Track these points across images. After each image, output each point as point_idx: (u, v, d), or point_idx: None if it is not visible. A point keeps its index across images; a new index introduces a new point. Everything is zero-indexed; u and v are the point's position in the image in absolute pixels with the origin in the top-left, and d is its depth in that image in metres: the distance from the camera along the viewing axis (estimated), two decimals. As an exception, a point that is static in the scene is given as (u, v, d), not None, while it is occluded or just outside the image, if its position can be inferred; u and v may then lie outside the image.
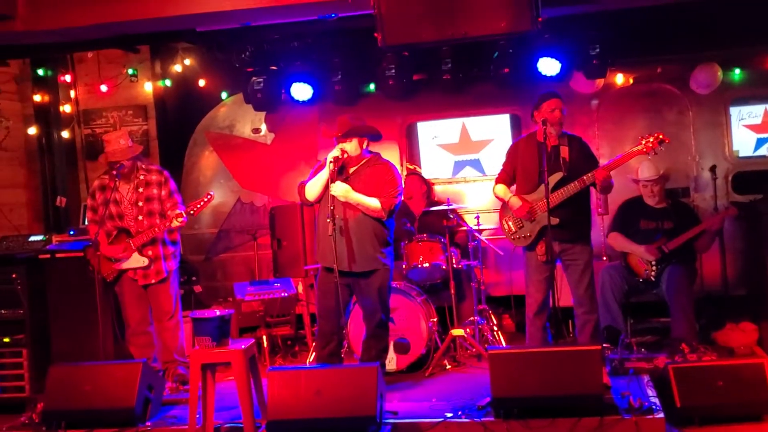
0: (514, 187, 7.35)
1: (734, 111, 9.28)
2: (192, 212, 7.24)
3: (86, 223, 7.80)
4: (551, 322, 7.28)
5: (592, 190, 7.18)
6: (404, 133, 9.96)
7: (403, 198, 7.63)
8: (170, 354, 7.49)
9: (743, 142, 9.30)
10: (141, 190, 7.39)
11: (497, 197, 7.42)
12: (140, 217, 7.36)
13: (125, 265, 7.33)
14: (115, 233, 7.35)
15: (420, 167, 9.63)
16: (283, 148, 10.15)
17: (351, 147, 6.90)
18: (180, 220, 7.16)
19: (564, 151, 7.08)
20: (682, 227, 7.86)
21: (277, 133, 10.24)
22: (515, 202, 7.16)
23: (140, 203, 7.37)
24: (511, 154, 7.41)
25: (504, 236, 7.55)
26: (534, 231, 7.10)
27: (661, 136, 6.83)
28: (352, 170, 6.97)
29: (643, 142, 6.88)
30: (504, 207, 7.36)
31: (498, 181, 7.41)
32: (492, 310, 8.60)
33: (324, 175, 6.82)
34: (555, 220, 6.81)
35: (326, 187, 6.79)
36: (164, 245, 7.43)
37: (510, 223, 7.29)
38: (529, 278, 7.26)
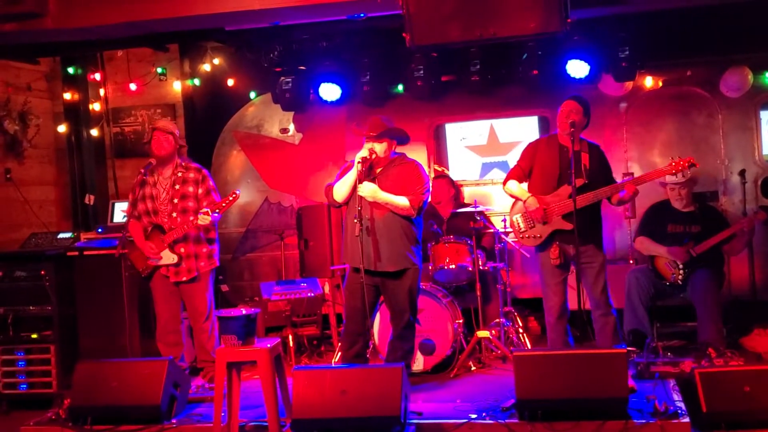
0: (525, 185, 7.31)
1: (764, 115, 9.19)
2: (218, 210, 7.25)
3: (125, 217, 7.82)
4: (572, 325, 7.28)
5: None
6: (432, 134, 9.95)
7: (430, 200, 7.64)
8: (207, 354, 7.48)
9: (773, 147, 9.24)
10: (177, 187, 7.40)
11: (509, 194, 7.36)
12: (174, 214, 7.37)
13: (157, 261, 7.36)
14: (151, 229, 7.38)
15: (448, 169, 9.63)
16: (311, 148, 10.18)
17: (381, 148, 6.91)
18: (205, 218, 7.17)
19: (585, 158, 7.05)
20: (709, 231, 7.81)
21: (305, 133, 10.26)
22: (532, 202, 7.10)
23: (175, 200, 7.38)
24: (530, 152, 7.33)
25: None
26: (545, 233, 7.07)
27: (692, 161, 6.86)
28: (378, 170, 6.97)
29: (673, 164, 6.90)
30: (516, 204, 7.34)
31: (510, 176, 7.35)
32: (518, 313, 8.57)
33: (352, 175, 6.83)
34: (568, 226, 6.81)
35: (354, 188, 6.80)
36: (197, 243, 7.42)
37: (520, 221, 7.26)
38: (546, 283, 7.23)
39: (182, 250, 7.35)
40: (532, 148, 7.37)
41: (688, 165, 6.86)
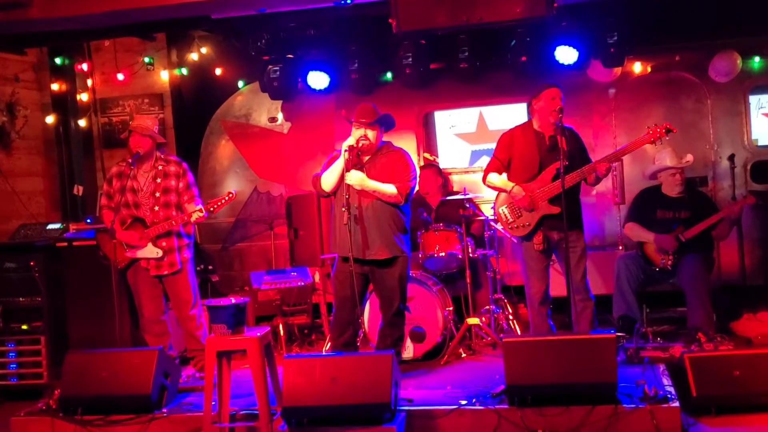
0: (504, 176, 7.31)
1: (753, 99, 9.22)
2: (212, 209, 7.20)
3: (100, 208, 7.79)
4: (560, 311, 7.30)
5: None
6: (421, 122, 9.94)
7: (418, 189, 7.64)
8: (197, 343, 7.45)
9: (762, 131, 9.25)
10: (159, 180, 7.38)
11: (492, 186, 7.35)
12: (156, 208, 7.34)
13: (139, 254, 7.32)
14: (130, 221, 7.35)
15: (437, 157, 9.62)
16: (300, 137, 10.16)
17: (373, 135, 6.91)
18: (199, 215, 7.16)
19: (561, 142, 7.06)
20: (699, 216, 7.81)
21: (294, 122, 10.24)
22: (518, 191, 7.11)
23: (157, 194, 7.35)
24: (506, 143, 7.33)
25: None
26: (534, 220, 7.08)
27: (668, 126, 6.83)
28: (366, 159, 6.96)
29: (650, 132, 6.87)
30: (500, 196, 7.35)
31: (489, 170, 7.34)
32: (507, 300, 8.58)
33: (339, 164, 6.82)
34: (555, 210, 6.83)
35: (341, 177, 6.80)
36: (179, 237, 7.41)
37: (507, 213, 7.26)
38: (530, 269, 7.25)
39: (164, 244, 7.32)
40: (507, 138, 7.35)
41: (665, 131, 6.83)
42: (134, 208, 7.36)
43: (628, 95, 9.40)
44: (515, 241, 8.72)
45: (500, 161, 7.31)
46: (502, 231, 8.57)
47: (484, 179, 7.38)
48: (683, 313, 7.91)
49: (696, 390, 5.82)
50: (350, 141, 6.82)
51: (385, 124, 7.00)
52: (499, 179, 7.28)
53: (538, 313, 7.24)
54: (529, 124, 7.24)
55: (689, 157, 8.00)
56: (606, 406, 5.66)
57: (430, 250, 8.09)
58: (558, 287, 7.25)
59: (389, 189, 6.79)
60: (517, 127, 7.36)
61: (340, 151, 6.83)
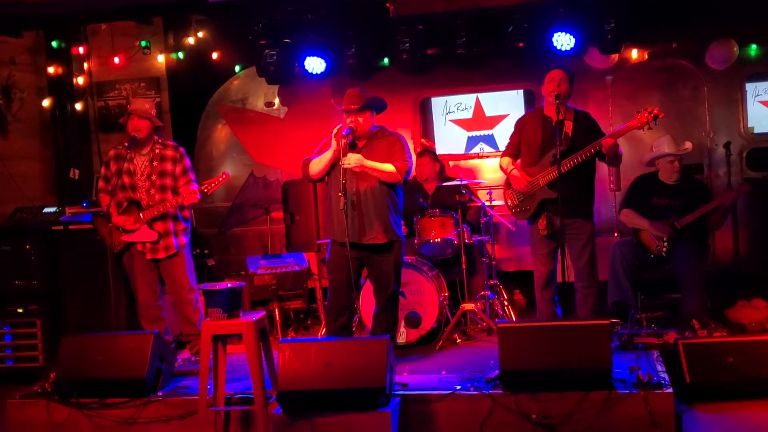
0: (519, 161, 7.37)
1: (750, 87, 9.22)
2: (206, 190, 7.20)
3: (97, 191, 7.77)
4: (560, 296, 7.32)
5: (601, 166, 7.20)
6: (418, 108, 9.93)
7: (417, 178, 7.60)
8: (194, 327, 7.47)
9: (758, 119, 9.25)
10: (155, 164, 7.37)
11: (502, 170, 7.49)
12: (152, 191, 7.34)
13: (134, 238, 7.33)
14: (126, 204, 7.34)
15: (434, 142, 9.61)
16: (297, 121, 10.14)
17: (364, 120, 6.88)
18: (193, 197, 7.15)
19: (567, 126, 7.09)
20: (694, 204, 7.81)
21: (291, 106, 10.22)
22: (515, 173, 7.25)
23: (153, 177, 7.34)
24: (518, 127, 7.48)
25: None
26: (533, 204, 7.16)
27: (655, 111, 6.82)
28: (362, 144, 6.95)
29: (637, 116, 6.88)
30: (507, 180, 7.40)
31: (504, 154, 7.51)
32: (503, 285, 8.59)
33: (328, 154, 6.80)
34: (552, 194, 6.82)
35: (330, 164, 6.79)
36: (175, 221, 7.40)
37: (511, 196, 7.38)
38: (534, 252, 7.36)
39: (160, 227, 7.31)
40: (519, 123, 7.49)
41: (653, 117, 6.83)
42: (130, 191, 7.35)
43: (625, 82, 9.41)
44: (512, 228, 8.78)
45: (513, 145, 7.46)
46: (498, 217, 8.60)
47: (499, 162, 7.55)
48: (678, 299, 7.91)
49: (690, 376, 5.81)
50: (338, 127, 6.81)
51: (375, 107, 6.97)
52: (506, 162, 7.42)
53: (542, 296, 7.30)
54: (540, 108, 7.29)
55: (688, 145, 8.01)
56: (600, 392, 5.66)
57: (426, 236, 8.10)
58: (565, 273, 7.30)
59: (388, 168, 6.76)
60: (530, 111, 7.49)
61: (330, 136, 6.81)
